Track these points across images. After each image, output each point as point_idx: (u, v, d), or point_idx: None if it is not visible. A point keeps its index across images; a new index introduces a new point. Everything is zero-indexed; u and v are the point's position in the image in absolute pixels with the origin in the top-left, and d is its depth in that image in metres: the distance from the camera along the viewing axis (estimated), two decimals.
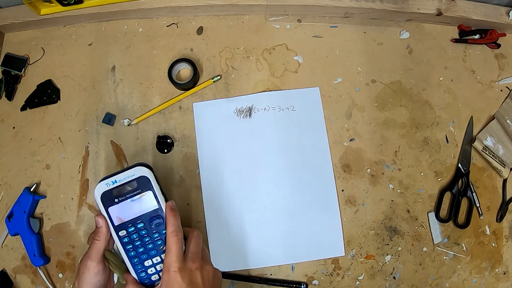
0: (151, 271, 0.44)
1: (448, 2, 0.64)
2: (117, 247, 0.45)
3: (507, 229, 0.60)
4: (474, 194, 0.60)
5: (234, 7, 0.63)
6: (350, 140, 0.62)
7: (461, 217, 0.60)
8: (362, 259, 0.58)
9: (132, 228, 0.44)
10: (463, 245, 0.60)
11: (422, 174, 0.61)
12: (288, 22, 0.65)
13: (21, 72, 0.63)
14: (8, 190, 0.60)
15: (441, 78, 0.64)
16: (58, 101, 0.63)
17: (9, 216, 0.57)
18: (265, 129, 0.61)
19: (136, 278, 0.44)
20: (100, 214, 0.44)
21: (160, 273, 0.44)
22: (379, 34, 0.66)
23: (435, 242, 0.59)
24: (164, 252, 0.44)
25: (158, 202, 0.44)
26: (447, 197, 0.60)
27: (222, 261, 0.58)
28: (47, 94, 0.63)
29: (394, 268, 0.58)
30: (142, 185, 0.44)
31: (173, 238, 0.43)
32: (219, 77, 0.62)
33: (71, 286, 0.45)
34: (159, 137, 0.60)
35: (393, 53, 0.65)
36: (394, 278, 0.58)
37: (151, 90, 0.63)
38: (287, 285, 0.57)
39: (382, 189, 0.60)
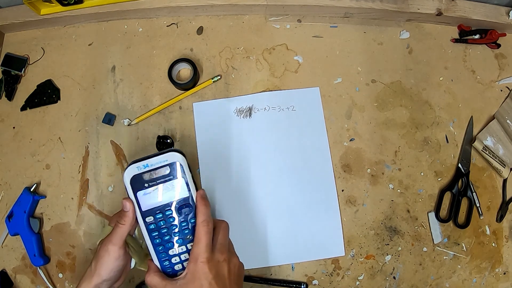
0: (175, 260, 0.42)
1: (448, 2, 0.64)
2: (138, 233, 0.43)
3: (507, 229, 0.60)
4: (474, 194, 0.60)
5: (234, 7, 0.63)
6: (350, 140, 0.62)
7: (461, 217, 0.60)
8: (362, 259, 0.58)
9: (160, 215, 0.42)
10: (463, 245, 0.60)
11: (422, 174, 0.61)
12: (288, 22, 0.65)
13: (21, 72, 0.63)
14: (8, 190, 0.60)
15: (441, 78, 0.64)
16: (58, 101, 0.63)
17: (9, 216, 0.57)
18: (265, 129, 0.61)
19: (159, 266, 0.43)
20: (127, 197, 0.42)
21: (184, 263, 0.42)
22: (379, 34, 0.66)
23: (435, 242, 0.59)
24: (190, 241, 0.42)
25: (189, 190, 0.42)
26: (447, 197, 0.60)
27: None
28: (47, 94, 0.63)
29: (394, 268, 0.58)
30: (174, 171, 0.42)
31: (203, 228, 0.41)
32: (219, 77, 0.62)
33: (78, 280, 0.44)
34: (159, 137, 0.60)
35: (393, 53, 0.65)
36: (394, 278, 0.58)
37: (151, 90, 0.63)
38: (287, 285, 0.57)
39: (382, 189, 0.60)
